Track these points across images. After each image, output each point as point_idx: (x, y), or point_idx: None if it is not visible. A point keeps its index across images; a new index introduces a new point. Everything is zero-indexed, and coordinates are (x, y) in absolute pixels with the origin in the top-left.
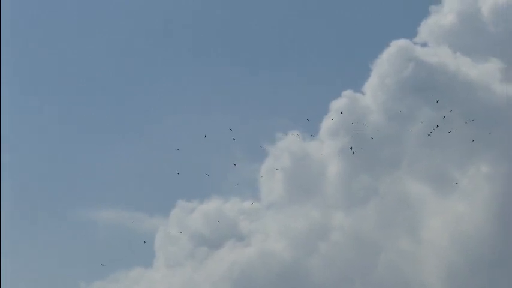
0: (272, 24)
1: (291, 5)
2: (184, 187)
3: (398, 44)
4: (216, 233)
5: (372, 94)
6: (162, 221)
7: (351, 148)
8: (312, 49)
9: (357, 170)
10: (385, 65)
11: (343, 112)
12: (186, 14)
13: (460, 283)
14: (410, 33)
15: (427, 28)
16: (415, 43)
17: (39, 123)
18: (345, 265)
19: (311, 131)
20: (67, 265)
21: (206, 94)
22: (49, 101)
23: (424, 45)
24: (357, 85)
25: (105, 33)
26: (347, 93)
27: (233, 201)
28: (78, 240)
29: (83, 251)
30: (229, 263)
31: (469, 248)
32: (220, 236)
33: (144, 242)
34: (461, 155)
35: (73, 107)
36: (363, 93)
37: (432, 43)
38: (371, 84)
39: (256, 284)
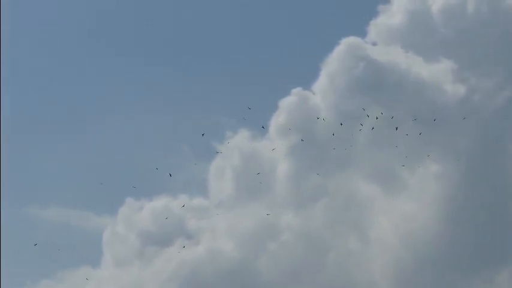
0: (221, 22)
1: (239, 2)
2: (133, 185)
3: (348, 42)
4: (165, 231)
5: (322, 92)
6: (109, 220)
7: None
8: (261, 46)
9: (306, 169)
10: (335, 63)
11: (292, 110)
12: (131, 12)
13: (407, 282)
14: (360, 33)
15: (376, 28)
16: (365, 42)
17: None
18: (294, 264)
19: (260, 129)
20: (14, 263)
21: (155, 93)
22: None
23: (374, 44)
24: (306, 83)
25: (45, 32)
26: (296, 91)
27: (182, 199)
28: (25, 238)
29: (29, 249)
30: (178, 262)
31: (417, 247)
32: (169, 235)
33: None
34: (410, 154)
35: (18, 105)
36: (313, 91)
37: (381, 43)
38: (321, 82)
39: (205, 283)
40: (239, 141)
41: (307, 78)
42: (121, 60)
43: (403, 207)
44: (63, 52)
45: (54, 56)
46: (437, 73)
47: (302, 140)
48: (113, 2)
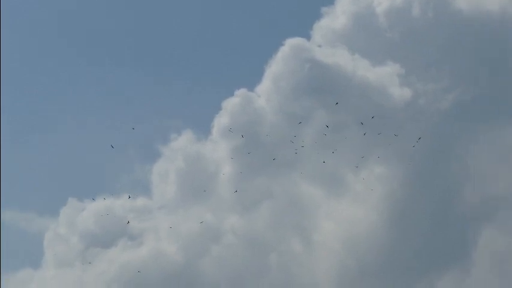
0: (164, 24)
1: (183, 3)
2: (75, 186)
3: (292, 43)
4: (107, 232)
5: (266, 94)
6: (51, 221)
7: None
8: (206, 46)
9: (251, 171)
10: (280, 64)
11: (235, 111)
12: (80, 16)
13: (351, 285)
14: (304, 35)
15: (320, 30)
16: (310, 44)
17: None
18: (237, 267)
19: (205, 131)
20: None
21: (99, 96)
22: None
23: (318, 47)
24: (250, 84)
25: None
26: (240, 92)
27: (124, 199)
28: None
29: None
30: (121, 263)
31: (361, 250)
32: (111, 235)
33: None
34: (355, 157)
35: None
36: (257, 93)
37: (326, 45)
38: (265, 84)
39: (148, 285)
40: (183, 143)
41: (251, 80)
42: (63, 63)
43: (346, 210)
44: (18, 54)
45: (11, 57)
46: (384, 76)
47: (242, 136)
48: (73, 3)
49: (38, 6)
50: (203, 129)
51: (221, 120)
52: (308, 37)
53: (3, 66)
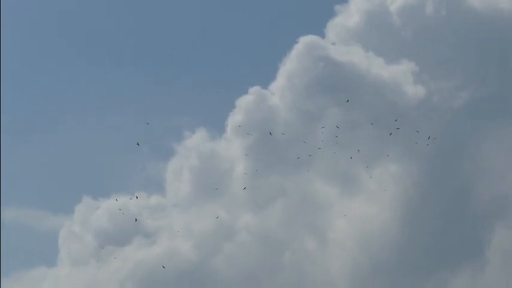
0: (177, 21)
1: (197, 1)
2: (89, 184)
3: (307, 41)
4: (121, 230)
5: (280, 91)
6: (66, 219)
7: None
8: (219, 44)
9: (264, 169)
10: (294, 62)
11: (249, 109)
12: (80, 16)
13: (365, 284)
14: (318, 33)
15: (334, 29)
16: (324, 42)
17: None
18: (251, 265)
19: (218, 129)
20: None
21: (112, 94)
22: None
23: (332, 44)
24: (264, 82)
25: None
26: (254, 90)
27: (139, 197)
28: None
29: None
30: (135, 262)
31: (374, 248)
32: (126, 234)
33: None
34: (369, 155)
35: None
36: (271, 91)
37: (340, 43)
38: (279, 81)
39: (162, 283)
40: (197, 141)
41: (265, 77)
42: (79, 63)
43: (360, 208)
44: (18, 54)
45: (11, 57)
46: (398, 74)
47: (270, 133)
48: (73, 3)
49: (38, 6)
50: (217, 127)
51: (235, 118)
52: (322, 35)
53: (3, 66)
